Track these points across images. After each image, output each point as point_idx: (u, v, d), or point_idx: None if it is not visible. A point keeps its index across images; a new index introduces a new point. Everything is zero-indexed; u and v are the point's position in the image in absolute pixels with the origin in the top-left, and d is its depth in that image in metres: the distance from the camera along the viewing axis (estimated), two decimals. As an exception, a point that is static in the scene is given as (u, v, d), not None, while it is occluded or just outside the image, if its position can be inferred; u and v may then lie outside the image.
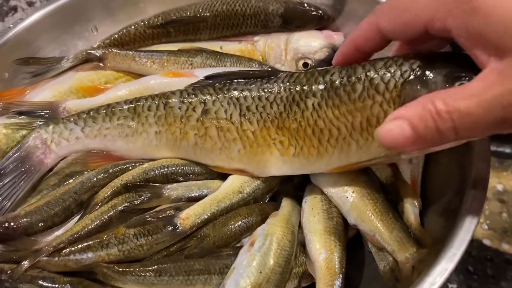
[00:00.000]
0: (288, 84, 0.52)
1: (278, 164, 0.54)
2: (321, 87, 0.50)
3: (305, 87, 0.51)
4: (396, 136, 0.39)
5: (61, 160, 0.61)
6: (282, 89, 0.52)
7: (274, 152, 0.53)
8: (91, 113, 0.57)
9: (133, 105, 0.56)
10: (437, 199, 0.54)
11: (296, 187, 0.61)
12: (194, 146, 0.55)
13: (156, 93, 0.58)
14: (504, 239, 1.17)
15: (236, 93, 0.53)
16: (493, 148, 1.37)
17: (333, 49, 0.69)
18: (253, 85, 0.53)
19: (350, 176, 0.56)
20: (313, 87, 0.50)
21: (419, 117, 0.38)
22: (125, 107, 0.57)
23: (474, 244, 1.18)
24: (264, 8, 0.69)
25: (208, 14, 0.69)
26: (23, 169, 0.56)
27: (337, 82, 0.49)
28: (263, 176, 0.56)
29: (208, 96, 0.54)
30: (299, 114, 0.51)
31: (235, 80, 0.55)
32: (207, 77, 0.56)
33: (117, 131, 0.57)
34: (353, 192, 0.55)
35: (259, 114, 0.52)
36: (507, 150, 1.33)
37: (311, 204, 0.56)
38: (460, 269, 1.00)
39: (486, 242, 1.17)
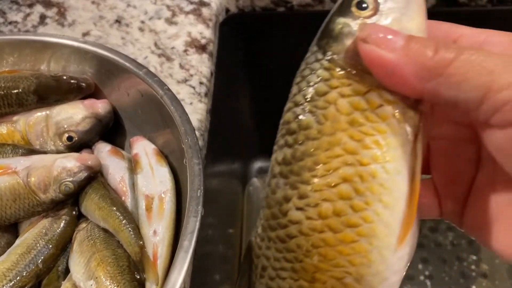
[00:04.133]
0: None
1: None
2: None
3: None
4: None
5: None
6: None
7: None
8: None
9: None
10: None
11: (60, 276, 0.58)
12: None
13: None
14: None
15: None
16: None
17: (97, 118, 0.67)
18: None
19: (97, 260, 0.54)
20: None
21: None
22: None
23: None
24: (14, 87, 0.66)
25: (-45, 102, 0.65)
26: None
27: None
28: None
29: None
30: None
31: None
32: None
33: None
34: (97, 277, 0.53)
35: None
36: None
37: (60, 297, 0.54)
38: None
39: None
